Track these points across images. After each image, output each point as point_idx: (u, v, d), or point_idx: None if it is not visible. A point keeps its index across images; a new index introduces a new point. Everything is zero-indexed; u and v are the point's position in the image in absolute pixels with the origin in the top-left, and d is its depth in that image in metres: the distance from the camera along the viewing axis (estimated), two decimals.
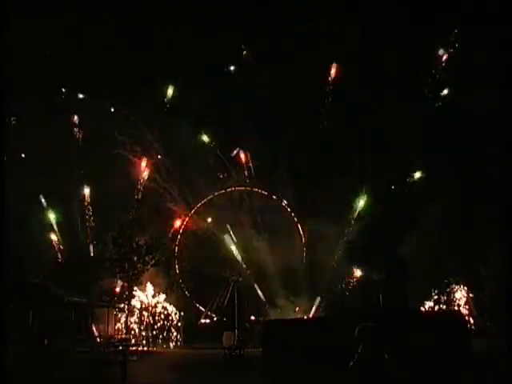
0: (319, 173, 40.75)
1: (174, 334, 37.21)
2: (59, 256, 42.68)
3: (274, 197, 45.01)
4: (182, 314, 38.20)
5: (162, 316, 37.13)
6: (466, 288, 37.86)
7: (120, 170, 41.05)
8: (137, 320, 36.50)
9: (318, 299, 41.72)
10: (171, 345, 36.44)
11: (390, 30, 38.29)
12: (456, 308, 36.73)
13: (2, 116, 8.83)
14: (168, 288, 39.43)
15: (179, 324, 37.58)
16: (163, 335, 36.80)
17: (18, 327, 27.53)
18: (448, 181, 36.75)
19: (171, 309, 37.81)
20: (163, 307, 37.42)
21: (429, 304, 38.66)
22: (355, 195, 42.87)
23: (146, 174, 44.65)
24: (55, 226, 43.48)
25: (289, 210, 45.05)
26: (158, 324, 36.89)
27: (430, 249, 35.77)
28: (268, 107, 42.13)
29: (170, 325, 37.23)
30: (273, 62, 41.35)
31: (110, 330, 36.32)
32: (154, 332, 36.62)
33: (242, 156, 46.41)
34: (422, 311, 37.40)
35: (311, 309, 41.25)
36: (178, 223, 44.98)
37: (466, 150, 35.55)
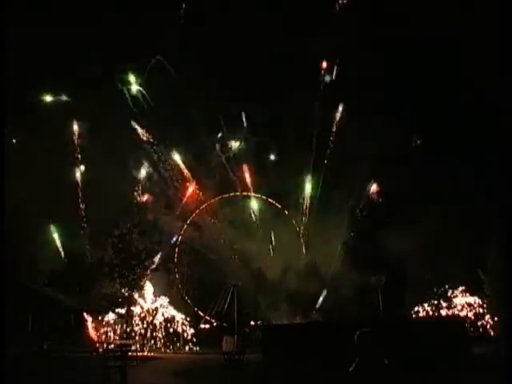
0: None
1: (174, 339, 37.10)
2: (59, 261, 42.63)
3: (281, 207, 45.22)
4: (182, 319, 38.09)
5: (162, 321, 37.04)
6: (465, 292, 37.84)
7: (121, 173, 41.11)
8: (137, 325, 36.40)
9: (318, 304, 41.72)
10: (171, 350, 36.33)
11: None
12: (456, 312, 36.69)
13: (2, 118, 8.83)
14: (168, 293, 39.40)
15: (179, 329, 37.47)
16: (163, 340, 36.70)
17: (17, 332, 27.52)
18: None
19: (171, 314, 37.72)
20: (163, 313, 37.35)
21: (428, 309, 38.61)
22: None
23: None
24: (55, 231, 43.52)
25: (293, 221, 45.27)
26: (158, 329, 36.78)
27: (429, 251, 35.82)
28: None
29: (170, 330, 37.12)
30: None
31: (110, 335, 36.26)
32: (154, 337, 36.52)
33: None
34: (421, 316, 37.42)
35: (311, 313, 41.21)
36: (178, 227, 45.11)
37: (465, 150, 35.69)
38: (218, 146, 46.16)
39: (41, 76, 39.60)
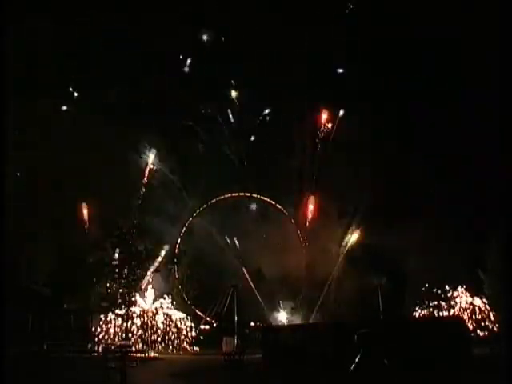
0: None
1: (174, 340, 37.07)
2: (59, 261, 42.59)
3: (282, 209, 45.26)
4: (182, 319, 38.07)
5: (162, 322, 37.00)
6: (466, 293, 37.80)
7: (121, 173, 41.10)
8: (137, 326, 36.37)
9: (318, 305, 41.70)
10: (171, 351, 36.31)
11: None
12: (457, 314, 36.66)
13: (2, 118, 8.81)
14: (168, 294, 39.37)
15: (179, 330, 37.45)
16: (163, 341, 36.67)
17: (17, 332, 27.53)
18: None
19: (171, 314, 37.71)
20: (163, 314, 37.33)
21: (429, 310, 38.58)
22: None
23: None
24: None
25: (292, 219, 45.27)
26: (158, 330, 36.75)
27: (429, 251, 35.82)
28: None
29: (170, 331, 37.10)
30: None
31: (110, 336, 36.21)
32: (154, 338, 36.48)
33: None
34: (421, 317, 37.41)
35: (311, 314, 41.20)
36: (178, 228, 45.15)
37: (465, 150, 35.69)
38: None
39: None
